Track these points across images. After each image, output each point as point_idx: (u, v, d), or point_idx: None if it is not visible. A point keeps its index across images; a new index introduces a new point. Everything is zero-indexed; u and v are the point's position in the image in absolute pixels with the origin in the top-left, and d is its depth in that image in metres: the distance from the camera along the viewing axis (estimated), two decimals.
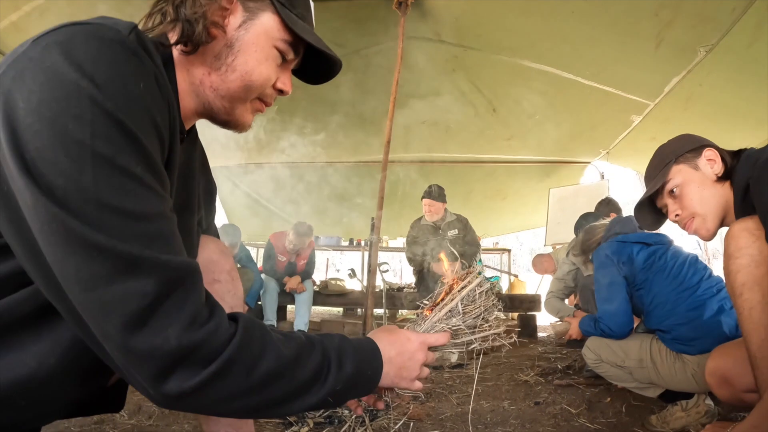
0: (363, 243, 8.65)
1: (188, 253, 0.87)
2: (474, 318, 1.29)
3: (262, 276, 5.85)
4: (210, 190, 1.32)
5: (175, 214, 0.85)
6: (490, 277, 7.58)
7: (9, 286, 0.79)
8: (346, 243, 8.68)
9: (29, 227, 0.72)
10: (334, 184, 8.15)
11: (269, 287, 5.71)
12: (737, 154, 1.69)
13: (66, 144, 0.70)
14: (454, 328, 1.27)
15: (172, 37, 0.93)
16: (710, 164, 1.71)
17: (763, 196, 1.31)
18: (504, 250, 9.08)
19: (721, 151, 1.72)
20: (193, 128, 1.14)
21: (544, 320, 6.12)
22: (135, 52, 0.80)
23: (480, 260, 7.63)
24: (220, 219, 11.01)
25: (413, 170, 8.36)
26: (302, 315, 5.67)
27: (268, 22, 1.00)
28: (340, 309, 6.77)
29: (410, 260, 5.70)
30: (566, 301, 4.32)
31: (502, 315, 1.51)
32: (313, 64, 1.12)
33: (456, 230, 5.54)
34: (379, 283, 5.40)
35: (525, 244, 27.93)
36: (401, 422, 2.55)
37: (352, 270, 5.68)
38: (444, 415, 2.71)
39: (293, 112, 6.08)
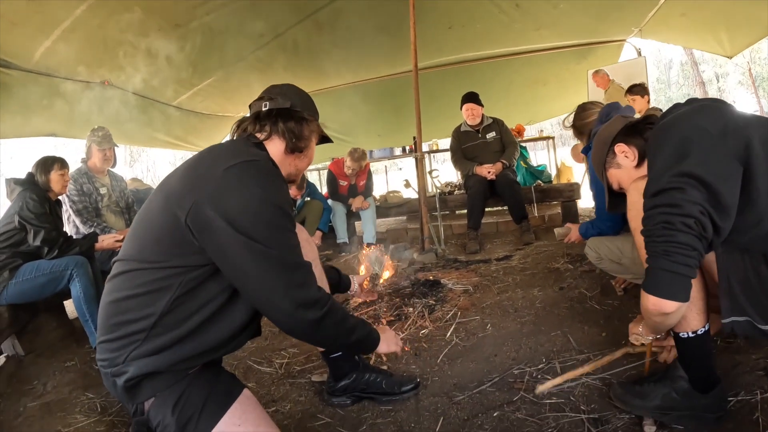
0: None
1: None
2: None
3: (329, 202, 6.34)
4: None
5: None
6: (538, 166, 7.90)
7: (220, 289, 1.61)
8: (400, 151, 8.85)
9: (242, 261, 1.52)
10: (378, 98, 8.51)
11: (337, 210, 6.22)
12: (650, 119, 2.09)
13: (265, 223, 1.54)
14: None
15: (280, 144, 1.87)
16: (624, 156, 2.10)
17: (652, 167, 1.75)
18: (547, 137, 9.07)
19: (626, 139, 2.11)
20: None
21: (587, 204, 6.47)
22: (274, 171, 1.71)
23: (526, 152, 7.94)
24: None
25: (450, 73, 8.62)
26: (369, 229, 6.11)
27: (317, 134, 2.02)
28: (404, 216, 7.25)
29: (455, 165, 6.17)
30: None
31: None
32: None
33: (494, 132, 5.88)
34: (431, 190, 5.94)
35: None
36: (451, 313, 3.28)
37: (407, 180, 5.96)
38: (485, 304, 3.39)
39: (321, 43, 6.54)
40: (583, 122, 3.31)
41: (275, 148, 1.87)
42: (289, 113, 1.88)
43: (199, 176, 1.58)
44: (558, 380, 2.22)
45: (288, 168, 1.93)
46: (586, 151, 3.18)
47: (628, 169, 2.12)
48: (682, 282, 1.59)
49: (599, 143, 2.24)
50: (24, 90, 4.67)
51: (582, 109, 3.37)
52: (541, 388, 2.20)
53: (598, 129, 2.89)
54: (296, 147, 1.89)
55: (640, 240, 1.76)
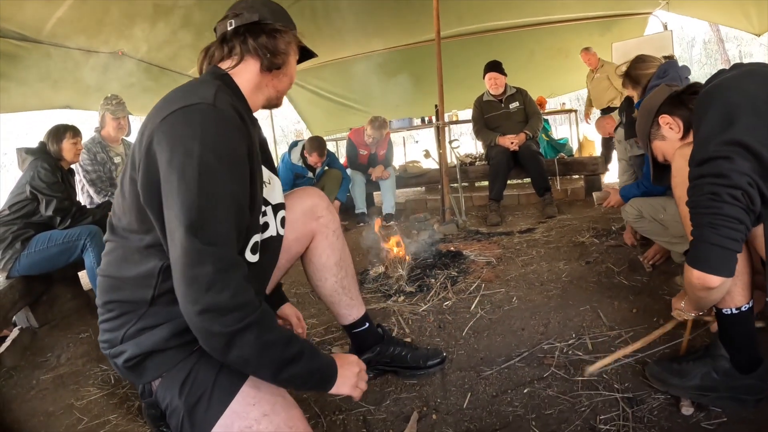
0: (434, 119, 8.59)
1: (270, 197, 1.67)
2: None
3: (348, 171, 6.18)
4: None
5: (258, 184, 1.49)
6: (559, 139, 7.74)
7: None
8: (418, 121, 8.70)
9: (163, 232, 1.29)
10: (396, 68, 8.23)
11: (356, 180, 6.10)
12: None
13: (186, 183, 1.23)
14: None
15: (254, 64, 1.60)
16: (669, 128, 2.00)
17: (697, 133, 1.65)
18: (570, 110, 8.88)
19: (671, 110, 1.99)
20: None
21: (611, 180, 6.29)
22: (219, 117, 1.33)
23: (548, 125, 7.79)
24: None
25: (470, 43, 8.47)
26: (388, 199, 6.00)
27: (295, 48, 1.71)
28: (422, 187, 7.17)
29: (477, 136, 6.05)
30: None
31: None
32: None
33: (517, 102, 5.74)
34: (452, 160, 5.82)
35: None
36: (475, 284, 3.17)
37: (427, 150, 5.84)
38: (509, 276, 3.28)
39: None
40: (640, 72, 3.16)
41: (248, 71, 1.62)
42: (259, 27, 1.62)
43: (144, 130, 1.38)
44: (608, 360, 2.09)
45: (267, 91, 1.70)
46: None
47: (673, 141, 2.02)
48: (728, 256, 1.51)
49: (643, 114, 2.13)
50: (37, 62, 4.61)
51: (641, 60, 3.22)
52: (592, 369, 2.07)
53: (655, 84, 2.77)
54: (272, 63, 1.63)
55: (684, 210, 1.67)
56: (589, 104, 7.90)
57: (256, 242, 1.56)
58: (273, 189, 1.75)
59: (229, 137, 1.33)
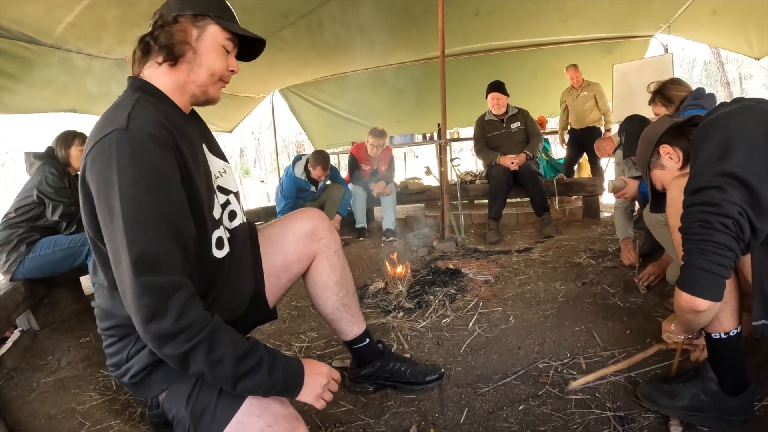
0: (435, 136, 8.38)
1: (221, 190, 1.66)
2: None
3: (350, 186, 6.18)
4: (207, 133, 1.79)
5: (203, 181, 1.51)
6: (559, 159, 7.80)
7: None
8: (420, 137, 8.78)
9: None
10: (399, 84, 8.39)
11: (357, 195, 6.08)
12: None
13: (109, 209, 1.27)
14: None
15: (157, 62, 1.53)
16: (668, 157, 2.05)
17: (694, 163, 1.70)
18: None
19: (672, 141, 2.04)
20: (192, 110, 1.70)
21: (608, 200, 6.37)
22: (136, 137, 1.31)
23: (548, 145, 7.84)
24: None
25: (474, 61, 8.56)
26: (389, 215, 5.97)
27: (213, 31, 1.56)
28: (422, 204, 7.17)
29: (478, 155, 6.12)
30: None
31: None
32: (248, 47, 1.70)
33: (518, 122, 5.81)
34: (452, 177, 5.86)
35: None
36: (473, 302, 3.22)
37: (428, 167, 5.89)
38: (507, 295, 3.33)
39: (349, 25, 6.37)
40: (674, 93, 3.19)
41: (159, 72, 1.56)
42: (162, 24, 1.53)
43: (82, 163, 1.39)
44: (591, 377, 2.13)
45: (189, 88, 1.59)
46: None
47: (671, 171, 2.07)
48: (716, 281, 1.57)
49: (644, 143, 2.19)
50: (45, 65, 4.62)
51: (676, 82, 3.27)
52: (574, 385, 2.11)
53: (690, 104, 2.86)
54: (171, 54, 1.52)
55: (677, 237, 1.72)
56: (564, 126, 7.82)
57: (220, 237, 1.60)
58: (229, 177, 1.77)
59: (147, 158, 1.31)
